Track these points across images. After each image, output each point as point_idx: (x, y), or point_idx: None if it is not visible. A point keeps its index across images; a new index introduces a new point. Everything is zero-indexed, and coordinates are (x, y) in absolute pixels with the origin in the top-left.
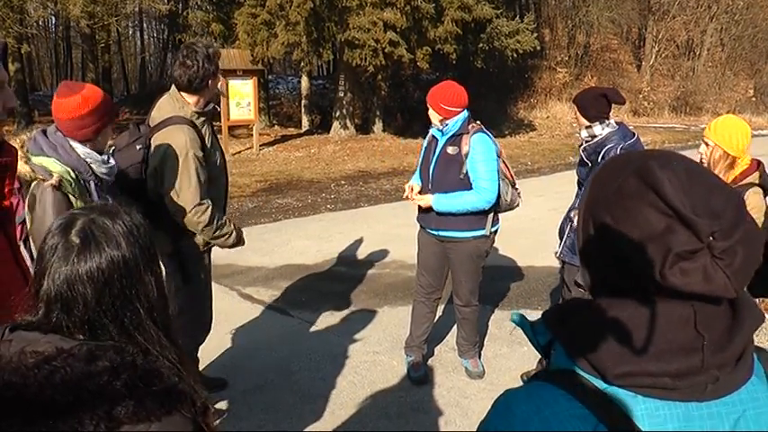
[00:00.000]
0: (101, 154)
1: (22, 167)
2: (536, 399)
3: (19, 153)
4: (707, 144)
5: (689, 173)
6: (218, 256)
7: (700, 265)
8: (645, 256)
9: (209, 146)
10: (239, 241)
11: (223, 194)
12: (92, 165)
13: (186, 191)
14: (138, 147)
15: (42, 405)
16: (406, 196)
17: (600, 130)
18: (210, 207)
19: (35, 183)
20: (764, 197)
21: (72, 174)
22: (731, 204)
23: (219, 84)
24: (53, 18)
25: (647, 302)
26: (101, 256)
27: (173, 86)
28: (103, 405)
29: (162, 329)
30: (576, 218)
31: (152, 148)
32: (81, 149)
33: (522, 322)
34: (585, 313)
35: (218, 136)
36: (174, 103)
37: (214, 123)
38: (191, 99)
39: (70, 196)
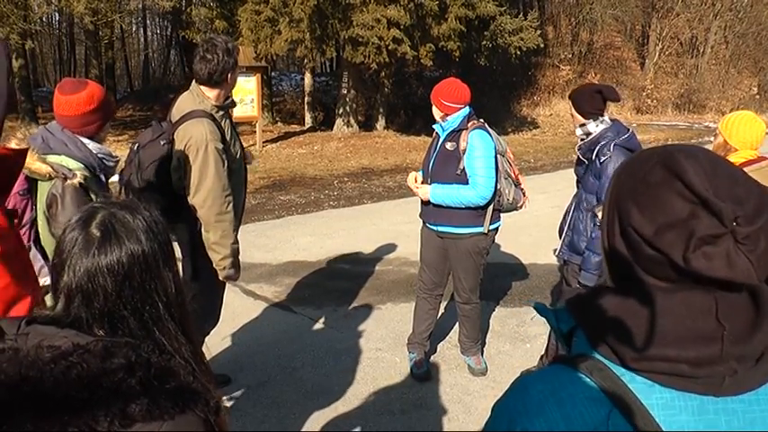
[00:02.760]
0: None
1: (39, 167)
2: (553, 380)
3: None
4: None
5: (713, 163)
6: None
7: (723, 250)
8: (668, 241)
9: (228, 138)
10: (236, 268)
11: (243, 186)
12: (103, 160)
13: (207, 182)
14: (162, 142)
15: (58, 401)
16: (410, 187)
17: (594, 128)
18: (231, 203)
19: (53, 183)
20: None
21: (87, 170)
22: (755, 193)
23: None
24: (57, 14)
25: (669, 291)
26: (121, 249)
27: (193, 82)
28: (118, 402)
29: (179, 326)
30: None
31: (175, 142)
32: (92, 145)
33: (544, 310)
34: (608, 300)
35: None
36: (194, 98)
37: None
38: (210, 93)
39: (91, 193)
